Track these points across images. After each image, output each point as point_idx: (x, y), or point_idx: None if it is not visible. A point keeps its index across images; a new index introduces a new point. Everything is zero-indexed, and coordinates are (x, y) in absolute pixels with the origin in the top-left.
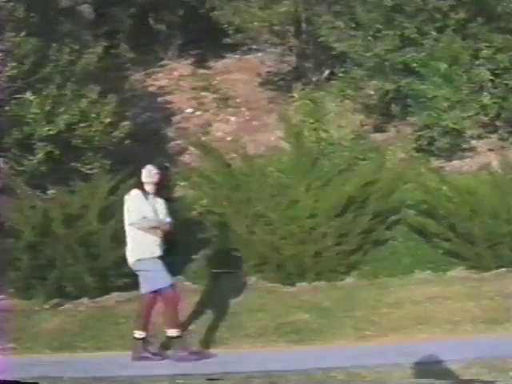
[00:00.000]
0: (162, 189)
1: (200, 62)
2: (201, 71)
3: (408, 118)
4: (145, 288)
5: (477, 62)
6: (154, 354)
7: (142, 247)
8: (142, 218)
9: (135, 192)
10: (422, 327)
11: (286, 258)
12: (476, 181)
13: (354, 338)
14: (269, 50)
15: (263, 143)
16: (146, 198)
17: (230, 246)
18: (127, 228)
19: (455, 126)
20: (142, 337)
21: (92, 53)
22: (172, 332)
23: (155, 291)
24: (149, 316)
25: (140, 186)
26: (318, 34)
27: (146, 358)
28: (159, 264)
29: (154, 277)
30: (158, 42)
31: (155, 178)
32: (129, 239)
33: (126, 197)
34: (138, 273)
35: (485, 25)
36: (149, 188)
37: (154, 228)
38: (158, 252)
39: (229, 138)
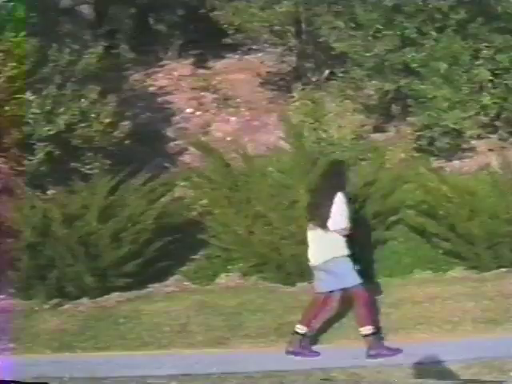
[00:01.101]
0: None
1: (200, 62)
2: (201, 71)
3: (408, 118)
4: (331, 286)
5: (477, 62)
6: (309, 351)
7: (332, 247)
8: (348, 223)
9: (343, 196)
10: (421, 327)
11: (285, 258)
12: (476, 181)
13: (353, 338)
14: (269, 50)
15: (263, 143)
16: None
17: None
18: (316, 229)
19: (455, 126)
20: (302, 332)
21: (92, 53)
22: (366, 329)
23: (331, 291)
24: (318, 313)
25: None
26: (318, 34)
27: (300, 354)
28: (349, 263)
29: (344, 275)
30: (158, 42)
31: None
32: (317, 239)
33: (336, 197)
34: (319, 272)
35: (485, 25)
36: None
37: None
38: (346, 251)
39: (229, 138)
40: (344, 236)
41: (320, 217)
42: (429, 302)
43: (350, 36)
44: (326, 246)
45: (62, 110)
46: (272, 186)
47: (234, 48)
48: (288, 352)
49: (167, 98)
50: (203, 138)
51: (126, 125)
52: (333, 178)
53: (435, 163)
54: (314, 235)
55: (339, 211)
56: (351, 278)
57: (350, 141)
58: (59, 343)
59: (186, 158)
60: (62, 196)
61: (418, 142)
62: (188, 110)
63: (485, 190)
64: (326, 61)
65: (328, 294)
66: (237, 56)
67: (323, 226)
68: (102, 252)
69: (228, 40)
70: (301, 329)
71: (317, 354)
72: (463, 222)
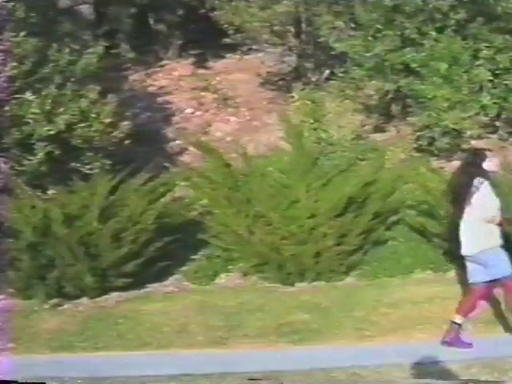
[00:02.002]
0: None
1: (200, 62)
2: (201, 71)
3: (408, 118)
4: (482, 277)
5: (477, 62)
6: (462, 342)
7: (487, 237)
8: (497, 211)
9: (487, 183)
10: (421, 327)
11: (285, 258)
12: None
13: (353, 338)
14: (269, 50)
15: (263, 143)
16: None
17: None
18: (469, 219)
19: (455, 126)
20: (460, 322)
21: (92, 53)
22: None
23: (493, 280)
24: (476, 305)
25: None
26: (318, 34)
27: (454, 344)
28: (502, 253)
29: (497, 265)
30: (157, 42)
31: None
32: (472, 230)
33: (483, 186)
34: (472, 263)
35: (485, 25)
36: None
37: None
38: (500, 241)
39: (229, 138)
40: (497, 225)
41: (469, 207)
42: (429, 302)
43: (350, 36)
44: (480, 235)
45: (61, 109)
46: (272, 186)
47: (233, 48)
48: (443, 342)
49: (167, 98)
50: (203, 138)
51: (126, 125)
52: (470, 167)
53: (435, 163)
54: (467, 225)
55: (486, 200)
56: (503, 268)
57: (350, 141)
58: (59, 343)
59: (185, 158)
60: (62, 196)
61: (418, 142)
62: (188, 110)
63: None
64: (325, 61)
65: (484, 284)
66: (237, 56)
67: (473, 215)
68: (102, 252)
69: (228, 40)
70: (459, 319)
71: (470, 345)
72: None
